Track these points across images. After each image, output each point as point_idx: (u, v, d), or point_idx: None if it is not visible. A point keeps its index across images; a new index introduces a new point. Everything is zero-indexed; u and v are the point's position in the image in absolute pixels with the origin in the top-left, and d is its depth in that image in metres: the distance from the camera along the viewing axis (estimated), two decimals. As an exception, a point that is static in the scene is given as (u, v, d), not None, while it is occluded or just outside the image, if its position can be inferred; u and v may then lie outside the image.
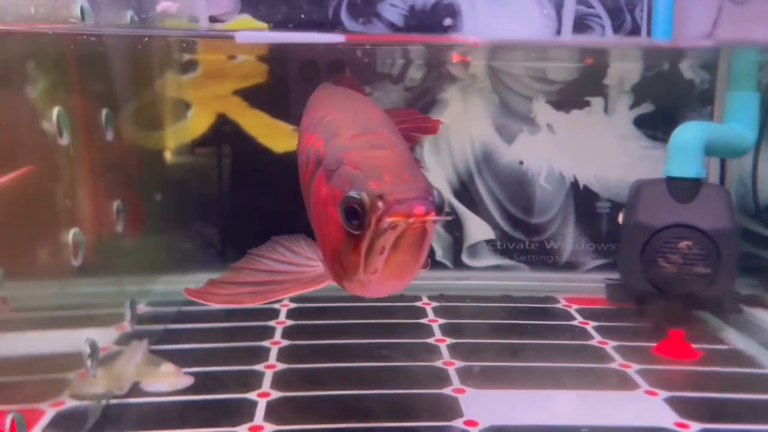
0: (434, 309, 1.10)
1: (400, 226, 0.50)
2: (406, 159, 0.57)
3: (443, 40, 1.08)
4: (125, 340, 0.85)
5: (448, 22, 1.06)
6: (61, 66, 0.74)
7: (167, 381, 0.79)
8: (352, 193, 0.52)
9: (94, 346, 0.72)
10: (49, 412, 0.66)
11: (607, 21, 1.08)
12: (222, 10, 1.08)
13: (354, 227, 0.53)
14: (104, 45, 0.83)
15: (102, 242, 0.79)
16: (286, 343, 0.95)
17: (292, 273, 0.65)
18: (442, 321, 1.04)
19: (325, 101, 0.74)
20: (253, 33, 0.83)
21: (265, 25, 1.03)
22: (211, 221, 1.22)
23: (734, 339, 1.00)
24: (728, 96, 1.14)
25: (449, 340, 0.96)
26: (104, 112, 0.80)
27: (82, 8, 0.72)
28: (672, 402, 0.79)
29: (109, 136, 0.81)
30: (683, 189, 1.06)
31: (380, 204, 0.51)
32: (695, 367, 0.90)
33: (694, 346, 0.93)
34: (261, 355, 0.90)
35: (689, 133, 1.07)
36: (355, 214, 0.52)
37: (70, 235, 0.70)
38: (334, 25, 1.06)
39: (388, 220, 0.50)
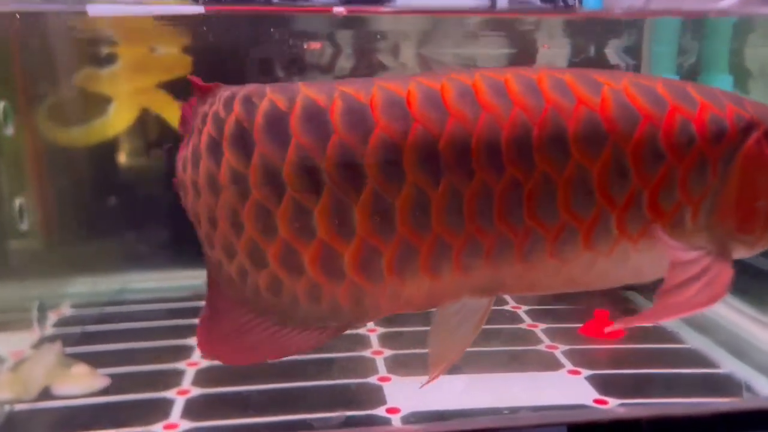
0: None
1: None
2: None
3: (311, 9, 1.04)
4: (42, 344, 0.81)
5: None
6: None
7: (80, 383, 0.76)
8: None
9: (-7, 351, 0.69)
10: (-49, 421, 0.64)
11: (536, -1, 1.08)
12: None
13: None
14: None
15: (1, 243, 0.76)
16: (212, 339, 0.93)
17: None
18: (374, 311, 1.04)
19: (549, 77, 0.55)
20: (107, 6, 0.79)
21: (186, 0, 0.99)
22: (144, 217, 1.18)
23: (660, 316, 1.01)
24: (651, 79, 1.15)
25: (380, 330, 0.96)
26: (1, 105, 0.77)
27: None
28: (593, 380, 0.80)
29: (9, 130, 0.77)
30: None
31: None
32: (619, 345, 0.91)
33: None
34: (185, 352, 0.88)
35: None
36: None
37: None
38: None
39: None
